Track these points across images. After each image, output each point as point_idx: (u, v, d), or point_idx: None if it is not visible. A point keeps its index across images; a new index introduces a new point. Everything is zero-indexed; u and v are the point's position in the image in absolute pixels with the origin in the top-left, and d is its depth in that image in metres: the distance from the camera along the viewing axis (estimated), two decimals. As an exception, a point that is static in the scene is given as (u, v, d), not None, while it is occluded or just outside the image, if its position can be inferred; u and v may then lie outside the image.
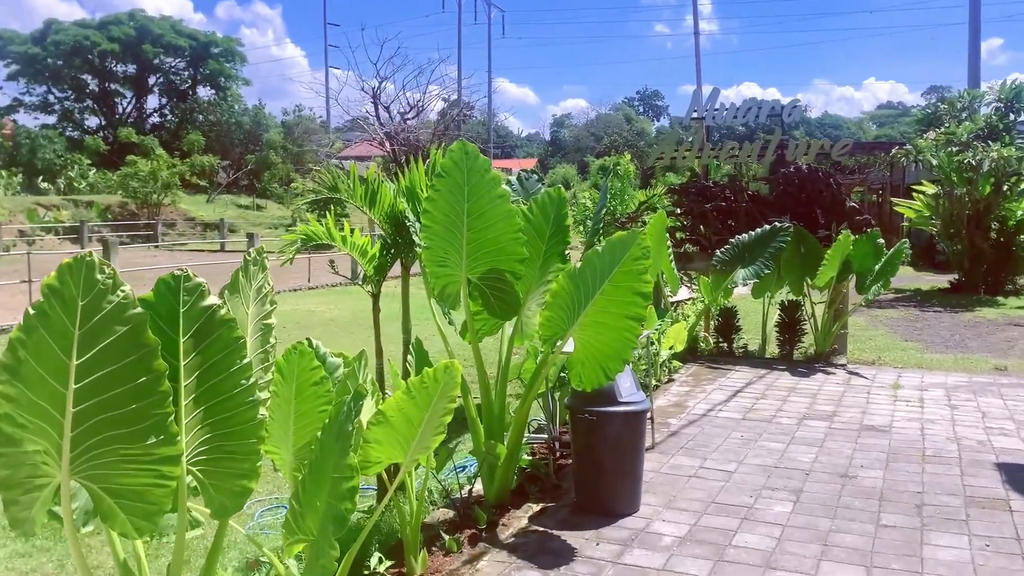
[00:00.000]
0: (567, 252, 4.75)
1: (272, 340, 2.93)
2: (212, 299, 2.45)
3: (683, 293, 12.62)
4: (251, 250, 2.98)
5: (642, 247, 4.03)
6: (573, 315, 4.18)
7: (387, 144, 46.55)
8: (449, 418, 3.05)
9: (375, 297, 5.14)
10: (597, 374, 4.21)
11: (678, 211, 9.78)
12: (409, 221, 4.89)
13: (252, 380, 2.48)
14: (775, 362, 8.77)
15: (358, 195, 5.15)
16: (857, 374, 8.05)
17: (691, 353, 9.15)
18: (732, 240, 8.85)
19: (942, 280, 16.29)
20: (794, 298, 9.00)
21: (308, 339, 3.07)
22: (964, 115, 14.91)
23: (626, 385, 4.37)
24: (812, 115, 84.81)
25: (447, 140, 52.80)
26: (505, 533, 4.11)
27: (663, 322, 7.79)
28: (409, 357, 4.36)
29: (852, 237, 8.53)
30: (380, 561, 3.60)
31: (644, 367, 7.37)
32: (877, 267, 8.67)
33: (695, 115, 9.79)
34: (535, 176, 5.37)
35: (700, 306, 9.55)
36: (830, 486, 4.72)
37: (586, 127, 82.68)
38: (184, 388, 2.40)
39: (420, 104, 49.06)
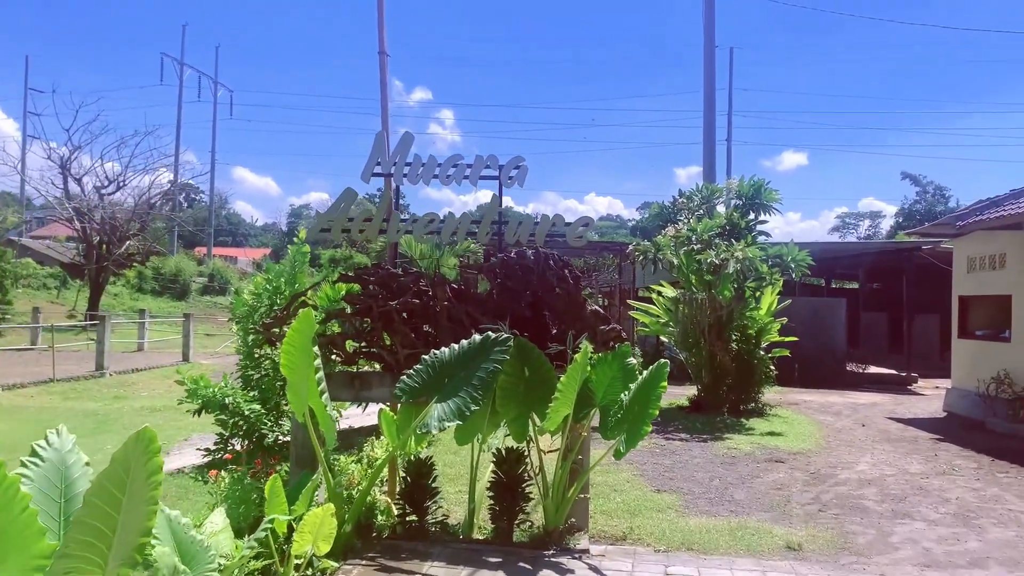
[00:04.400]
0: None
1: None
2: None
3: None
4: None
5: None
6: None
7: (76, 222, 39.35)
8: None
9: None
10: None
11: (348, 310, 6.51)
12: None
13: None
14: (487, 549, 5.65)
15: None
16: (603, 575, 5.14)
17: (364, 533, 5.81)
18: (426, 357, 5.77)
19: (678, 394, 14.58)
20: (516, 445, 6.06)
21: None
22: (702, 211, 13.52)
23: None
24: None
25: (162, 220, 46.50)
26: None
27: (288, 510, 4.35)
28: None
29: (594, 355, 5.85)
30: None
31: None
32: (627, 397, 5.99)
33: (378, 170, 6.73)
34: None
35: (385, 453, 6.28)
36: None
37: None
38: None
39: (121, 179, 42.59)
